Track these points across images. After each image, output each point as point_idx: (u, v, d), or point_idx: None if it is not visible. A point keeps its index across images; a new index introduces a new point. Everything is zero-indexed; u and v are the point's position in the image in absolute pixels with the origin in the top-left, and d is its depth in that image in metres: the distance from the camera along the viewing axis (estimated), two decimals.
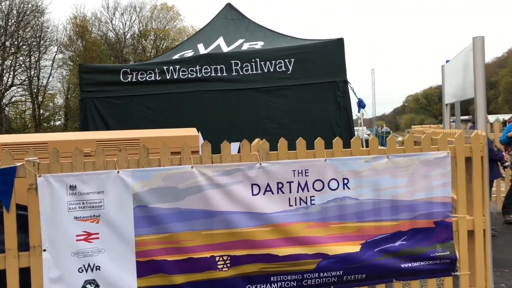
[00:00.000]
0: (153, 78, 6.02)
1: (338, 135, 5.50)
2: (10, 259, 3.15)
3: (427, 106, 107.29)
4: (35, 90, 30.86)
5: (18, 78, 29.37)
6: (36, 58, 30.47)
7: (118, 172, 3.29)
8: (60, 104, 34.64)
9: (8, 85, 28.29)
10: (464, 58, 5.61)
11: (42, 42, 30.61)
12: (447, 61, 7.50)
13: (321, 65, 5.87)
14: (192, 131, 4.16)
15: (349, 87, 5.87)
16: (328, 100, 5.80)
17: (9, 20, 27.76)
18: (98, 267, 3.27)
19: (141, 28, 39.58)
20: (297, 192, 3.57)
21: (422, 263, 3.76)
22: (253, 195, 3.51)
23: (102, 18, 38.19)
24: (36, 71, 30.69)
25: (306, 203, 3.59)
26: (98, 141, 3.77)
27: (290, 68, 5.92)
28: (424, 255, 3.75)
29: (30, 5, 29.12)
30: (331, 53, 5.86)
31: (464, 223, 3.84)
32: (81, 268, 3.25)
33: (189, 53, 6.61)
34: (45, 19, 31.26)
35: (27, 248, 3.21)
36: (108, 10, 38.54)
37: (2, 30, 27.35)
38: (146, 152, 3.35)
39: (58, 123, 34.57)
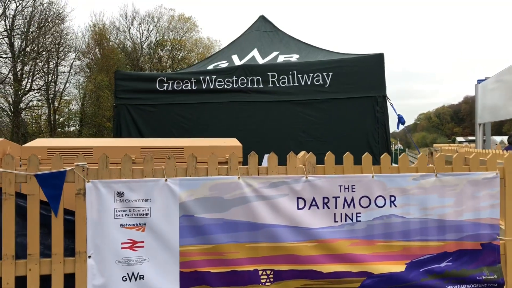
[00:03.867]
0: (189, 87, 6.02)
1: (375, 151, 5.43)
2: (56, 264, 3.11)
3: (439, 125, 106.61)
4: (52, 96, 31.13)
5: (36, 83, 29.68)
6: (55, 64, 30.79)
7: (166, 180, 3.26)
8: (76, 110, 34.90)
9: (26, 89, 28.57)
10: (506, 76, 5.53)
11: (61, 48, 30.94)
12: (479, 81, 7.42)
13: (360, 79, 5.83)
14: (235, 142, 4.13)
15: (388, 103, 5.82)
16: (366, 115, 5.74)
17: (31, 26, 28.15)
18: (141, 276, 3.22)
19: (158, 38, 39.90)
20: (343, 208, 3.51)
21: (468, 286, 3.65)
22: (298, 209, 3.45)
23: (120, 27, 38.59)
24: (53, 77, 30.99)
25: (351, 219, 3.52)
26: (143, 148, 3.75)
27: (328, 81, 5.89)
28: (470, 277, 3.65)
29: (52, 12, 29.55)
30: (370, 68, 5.82)
31: None
32: (125, 276, 3.20)
33: (223, 64, 6.62)
34: (65, 26, 31.67)
35: (71, 253, 3.17)
36: (126, 19, 38.87)
37: (23, 36, 27.73)
38: (194, 161, 3.32)
39: (72, 129, 34.80)
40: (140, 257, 3.22)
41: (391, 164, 3.68)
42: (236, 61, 6.64)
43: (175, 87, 6.02)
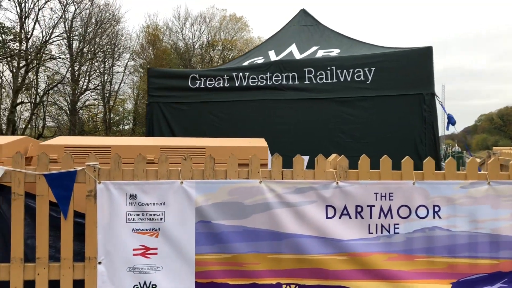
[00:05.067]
0: (221, 85, 5.79)
1: (422, 154, 4.95)
2: (65, 270, 2.95)
3: (502, 126, 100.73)
4: (107, 95, 32.19)
5: (93, 83, 30.73)
6: (110, 64, 31.78)
7: (181, 182, 3.03)
8: (130, 109, 35.94)
9: (83, 89, 29.69)
10: None
11: (116, 49, 31.92)
12: None
13: (406, 75, 5.33)
14: (261, 142, 3.83)
15: (436, 101, 5.29)
16: (412, 114, 5.25)
17: (88, 28, 29.22)
18: (154, 286, 3.01)
19: (209, 38, 40.28)
20: (379, 218, 3.15)
21: None
22: (327, 218, 3.12)
23: (173, 28, 39.28)
24: (109, 76, 32.03)
25: (388, 231, 3.15)
26: (163, 147, 3.54)
27: (370, 77, 5.44)
28: None
29: (107, 14, 30.52)
30: (417, 63, 5.31)
31: None
32: (137, 285, 3.00)
33: (259, 60, 6.33)
34: (120, 27, 32.66)
35: (83, 258, 3.00)
36: (179, 20, 39.52)
37: (81, 37, 28.83)
38: (212, 162, 3.06)
39: (126, 127, 35.85)
40: (152, 265, 3.01)
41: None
42: (273, 56, 6.32)
43: (207, 84, 5.80)
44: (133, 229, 3.00)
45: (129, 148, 3.49)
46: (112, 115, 34.34)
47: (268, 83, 5.69)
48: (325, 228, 3.09)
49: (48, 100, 27.67)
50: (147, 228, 3.01)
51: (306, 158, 4.83)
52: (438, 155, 5.12)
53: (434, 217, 3.16)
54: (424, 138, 5.12)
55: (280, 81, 5.67)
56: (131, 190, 3.00)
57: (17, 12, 24.76)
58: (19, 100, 25.45)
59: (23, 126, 26.69)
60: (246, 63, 6.33)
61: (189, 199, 3.03)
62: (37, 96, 26.49)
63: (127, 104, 36.42)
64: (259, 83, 5.71)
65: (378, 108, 5.42)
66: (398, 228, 3.15)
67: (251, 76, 5.73)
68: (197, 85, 5.83)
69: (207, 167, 3.07)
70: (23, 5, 24.94)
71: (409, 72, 5.31)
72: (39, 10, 25.58)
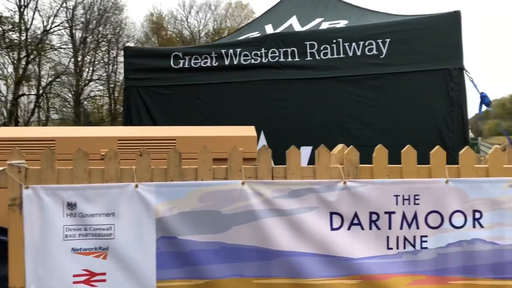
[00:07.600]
0: (208, 64, 5.13)
1: (449, 144, 4.24)
2: None
3: None
4: (112, 86, 31.80)
5: (97, 73, 30.37)
6: (114, 54, 31.33)
7: (136, 186, 2.36)
8: None
9: (87, 80, 29.30)
10: None
11: (120, 38, 31.43)
12: None
13: (428, 47, 4.59)
14: (249, 130, 3.12)
15: (466, 77, 4.51)
16: (436, 94, 4.52)
17: (90, 17, 28.73)
18: None
19: (215, 26, 39.75)
20: (401, 228, 2.52)
21: None
22: (332, 229, 2.49)
23: (178, 16, 38.77)
24: (113, 67, 31.60)
25: (414, 246, 2.52)
26: (121, 139, 2.84)
27: (384, 51, 4.72)
28: None
29: (110, 3, 29.97)
30: (442, 31, 4.56)
31: None
32: None
33: (254, 35, 5.59)
34: (124, 16, 32.12)
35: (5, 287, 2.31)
36: (184, 8, 38.93)
37: (83, 27, 28.36)
38: (178, 158, 2.36)
39: None
40: None
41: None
42: (270, 31, 5.66)
43: (192, 64, 5.13)
44: (72, 248, 2.34)
45: (78, 141, 2.77)
46: (118, 106, 34.00)
47: (263, 60, 5.01)
48: (329, 243, 2.46)
49: (51, 91, 27.31)
50: (92, 247, 2.36)
51: (307, 150, 4.12)
52: (468, 143, 4.35)
53: (474, 227, 2.52)
54: (451, 124, 4.38)
55: (277, 58, 4.98)
56: (68, 197, 2.32)
57: (15, 0, 24.21)
58: (21, 92, 25.09)
59: (27, 118, 26.37)
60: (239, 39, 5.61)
61: (147, 208, 2.36)
62: (39, 87, 26.14)
63: None
64: (252, 61, 5.02)
65: (394, 87, 4.71)
66: (426, 241, 2.52)
67: (243, 53, 5.03)
68: (181, 64, 5.16)
69: (170, 164, 2.36)
70: None
71: (432, 43, 4.57)
72: None
